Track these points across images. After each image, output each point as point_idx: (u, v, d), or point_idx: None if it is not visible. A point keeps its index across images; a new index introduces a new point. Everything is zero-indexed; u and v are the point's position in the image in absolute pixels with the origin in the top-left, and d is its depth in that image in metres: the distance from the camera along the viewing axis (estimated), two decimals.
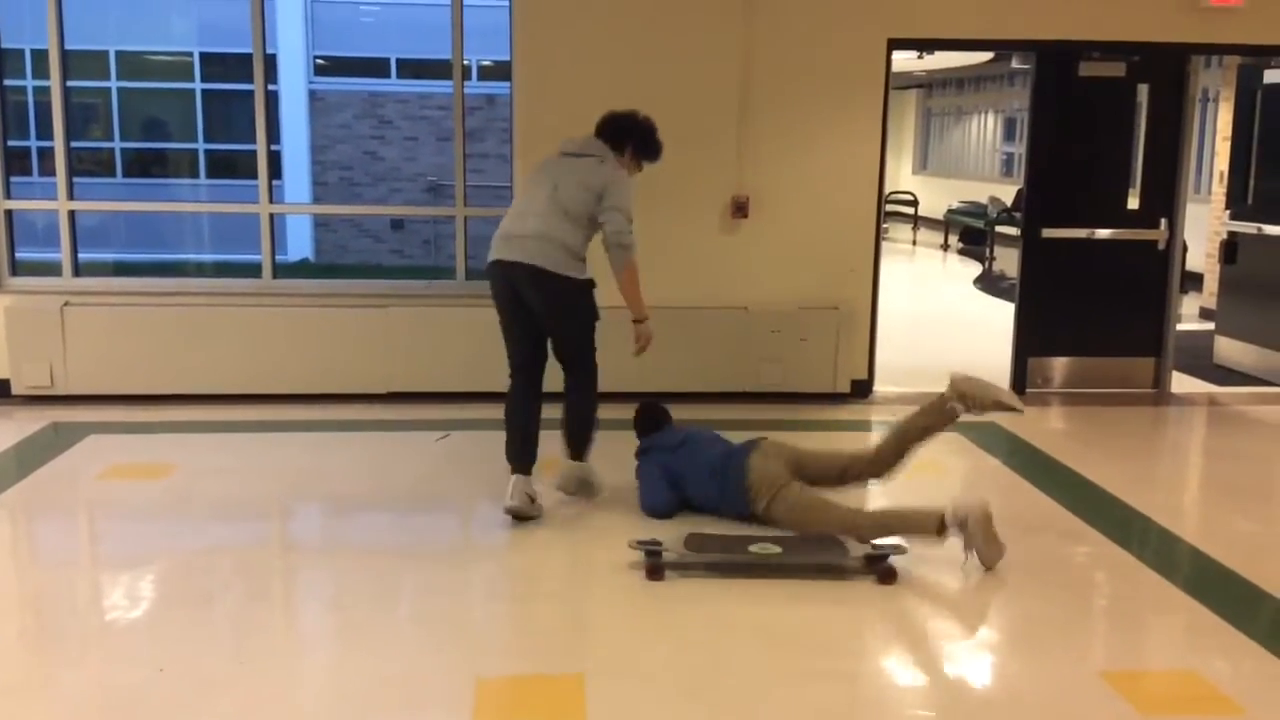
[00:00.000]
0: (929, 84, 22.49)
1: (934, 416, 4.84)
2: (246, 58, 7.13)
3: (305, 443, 6.27)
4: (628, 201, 5.01)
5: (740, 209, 7.09)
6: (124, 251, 18.19)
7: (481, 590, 4.34)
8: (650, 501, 5.00)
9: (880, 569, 4.34)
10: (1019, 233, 7.77)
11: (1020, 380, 7.59)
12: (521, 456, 5.04)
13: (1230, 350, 8.45)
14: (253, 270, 7.39)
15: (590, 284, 5.11)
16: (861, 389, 7.23)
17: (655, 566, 4.32)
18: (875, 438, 5.36)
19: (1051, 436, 6.65)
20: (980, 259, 15.41)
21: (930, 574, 4.57)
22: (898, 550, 4.41)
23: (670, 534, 4.54)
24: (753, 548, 4.42)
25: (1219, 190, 10.81)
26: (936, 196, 19.78)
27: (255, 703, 3.42)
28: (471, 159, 7.73)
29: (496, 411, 6.77)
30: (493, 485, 5.59)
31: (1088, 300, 7.60)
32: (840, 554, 4.43)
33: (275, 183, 7.45)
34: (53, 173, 7.08)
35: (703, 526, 4.76)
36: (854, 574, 4.39)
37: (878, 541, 4.44)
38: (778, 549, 4.41)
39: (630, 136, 5.32)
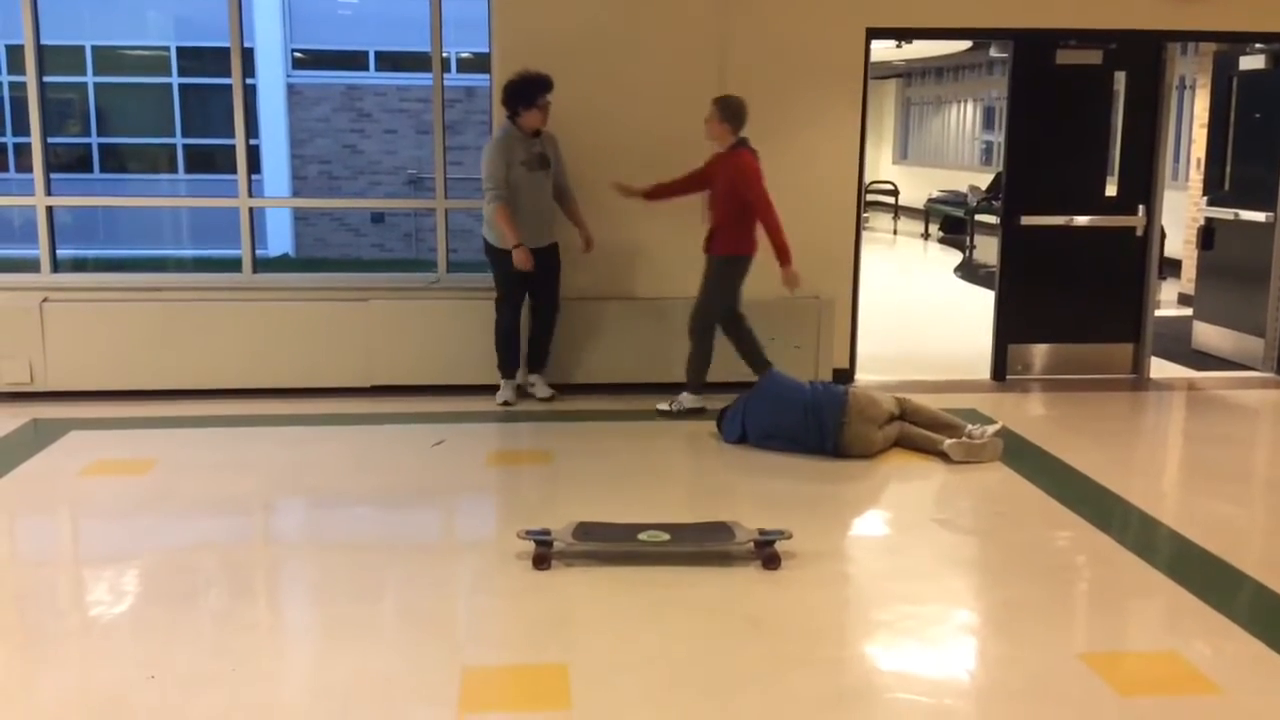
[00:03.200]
0: (908, 73, 22.52)
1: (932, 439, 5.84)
2: (224, 51, 7.10)
3: (287, 437, 6.26)
4: (485, 166, 6.48)
5: None
6: (103, 247, 18.08)
7: (466, 582, 4.34)
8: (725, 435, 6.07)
9: (765, 554, 4.37)
10: (998, 221, 7.79)
11: (1000, 367, 7.62)
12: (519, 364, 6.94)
13: (1208, 335, 8.51)
14: (233, 265, 7.36)
15: (495, 248, 6.61)
16: (843, 378, 7.25)
17: (542, 555, 4.34)
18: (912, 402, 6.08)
19: (1032, 422, 6.69)
20: (961, 247, 15.45)
21: (907, 559, 4.60)
22: (783, 535, 4.44)
23: (560, 523, 4.54)
24: (641, 535, 4.45)
25: (1196, 177, 10.85)
26: (917, 186, 19.81)
27: (240, 698, 3.42)
28: (451, 151, 7.71)
29: (478, 404, 6.82)
30: (476, 477, 5.60)
31: (1067, 287, 7.64)
32: (727, 540, 4.46)
33: (254, 177, 7.42)
34: (30, 169, 7.04)
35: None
36: (740, 559, 4.41)
37: (766, 528, 4.49)
38: (665, 536, 4.45)
39: (506, 104, 6.50)
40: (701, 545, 4.48)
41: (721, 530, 4.53)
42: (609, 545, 4.47)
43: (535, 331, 6.89)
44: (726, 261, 6.45)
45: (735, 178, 6.29)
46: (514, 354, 6.83)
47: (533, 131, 6.51)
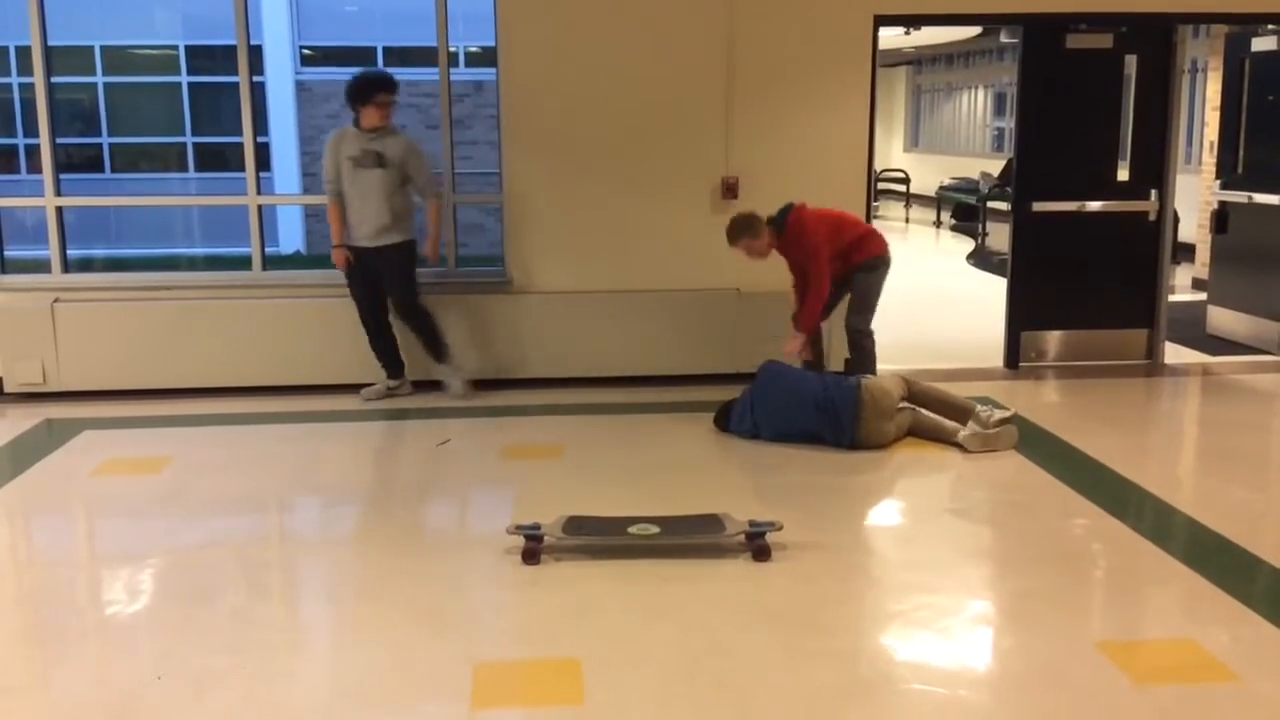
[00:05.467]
0: (918, 60, 22.43)
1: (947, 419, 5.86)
2: (232, 49, 7.10)
3: (299, 434, 6.27)
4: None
5: (730, 190, 7.07)
6: (114, 247, 18.13)
7: (479, 577, 4.33)
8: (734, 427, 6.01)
9: (756, 546, 4.35)
10: (1010, 207, 7.76)
11: (1014, 354, 7.59)
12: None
13: (1223, 320, 8.46)
14: (244, 263, 7.36)
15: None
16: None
17: (532, 550, 4.33)
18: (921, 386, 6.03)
19: (1046, 410, 6.66)
20: (973, 235, 15.40)
21: (921, 549, 4.58)
22: (773, 527, 4.41)
23: (551, 517, 4.53)
24: (631, 529, 4.43)
25: (1209, 160, 10.79)
26: (928, 174, 19.74)
27: (254, 696, 3.42)
28: (460, 146, 7.71)
29: (492, 399, 6.81)
30: (489, 472, 5.60)
31: (1080, 273, 7.60)
32: (717, 532, 4.43)
33: (263, 174, 7.40)
34: (40, 170, 7.05)
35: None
36: (731, 552, 4.39)
37: (755, 519, 4.46)
38: (656, 529, 4.43)
39: (347, 101, 6.56)
40: (691, 538, 4.46)
41: (712, 522, 4.50)
42: (599, 539, 4.46)
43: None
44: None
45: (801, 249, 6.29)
46: (382, 349, 6.78)
47: (373, 128, 6.48)
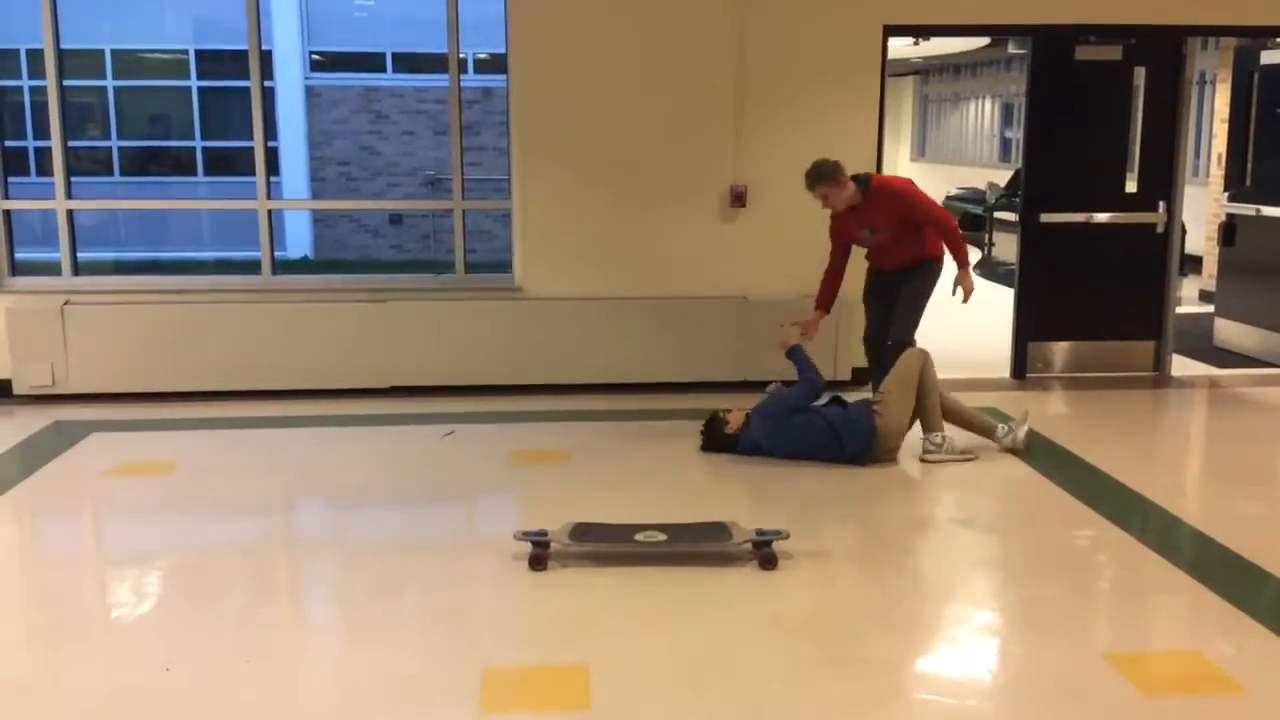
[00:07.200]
0: (926, 70, 22.45)
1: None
2: (242, 54, 7.14)
3: (308, 438, 6.28)
4: None
5: (738, 198, 7.09)
6: (123, 250, 18.19)
7: (487, 582, 4.34)
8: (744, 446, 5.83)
9: (762, 554, 4.35)
10: (1017, 218, 7.77)
11: (1020, 365, 7.59)
12: None
13: (1230, 332, 8.46)
14: (253, 267, 7.39)
15: None
16: (863, 377, 7.22)
17: (539, 556, 4.34)
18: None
19: (1053, 421, 6.66)
20: (980, 245, 15.39)
21: (927, 559, 4.59)
22: (780, 535, 4.41)
23: (558, 523, 4.53)
24: (638, 536, 4.44)
25: (1217, 172, 10.80)
26: (935, 183, 19.75)
27: (263, 697, 3.43)
28: (469, 152, 7.74)
29: (498, 404, 6.83)
30: (497, 476, 5.61)
31: (1087, 284, 7.61)
32: (724, 540, 4.44)
33: (273, 179, 7.44)
34: (51, 173, 7.08)
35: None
36: (738, 560, 4.40)
37: (762, 528, 4.45)
38: (663, 536, 4.43)
39: None
40: (698, 545, 4.47)
41: (719, 530, 4.51)
42: (606, 546, 4.47)
43: None
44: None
45: (900, 206, 6.04)
46: None
47: None
